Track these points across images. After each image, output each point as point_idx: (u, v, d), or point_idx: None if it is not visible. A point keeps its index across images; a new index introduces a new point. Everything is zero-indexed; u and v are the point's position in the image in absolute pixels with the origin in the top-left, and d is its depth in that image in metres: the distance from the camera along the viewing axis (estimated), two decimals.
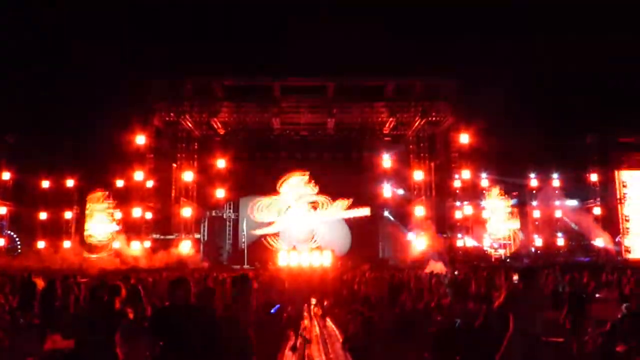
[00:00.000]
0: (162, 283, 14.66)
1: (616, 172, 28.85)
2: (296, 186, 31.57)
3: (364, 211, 31.81)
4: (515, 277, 6.36)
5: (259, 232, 32.12)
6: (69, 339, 7.33)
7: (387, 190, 29.66)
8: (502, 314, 6.12)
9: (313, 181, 31.41)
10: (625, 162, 28.99)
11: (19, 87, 26.34)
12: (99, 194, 28.34)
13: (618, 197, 28.66)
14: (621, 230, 28.38)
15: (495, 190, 29.57)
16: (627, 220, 28.53)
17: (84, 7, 28.09)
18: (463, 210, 28.21)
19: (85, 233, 28.58)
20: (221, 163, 29.32)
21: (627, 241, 28.15)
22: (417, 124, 28.88)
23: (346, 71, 26.69)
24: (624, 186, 28.74)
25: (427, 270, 22.94)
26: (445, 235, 28.59)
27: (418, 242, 27.76)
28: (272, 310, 10.13)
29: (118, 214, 28.60)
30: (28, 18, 27.90)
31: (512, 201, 29.83)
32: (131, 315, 5.77)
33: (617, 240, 28.35)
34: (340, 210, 32.05)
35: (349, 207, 31.83)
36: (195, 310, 4.56)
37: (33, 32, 27.74)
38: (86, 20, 28.40)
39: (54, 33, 28.23)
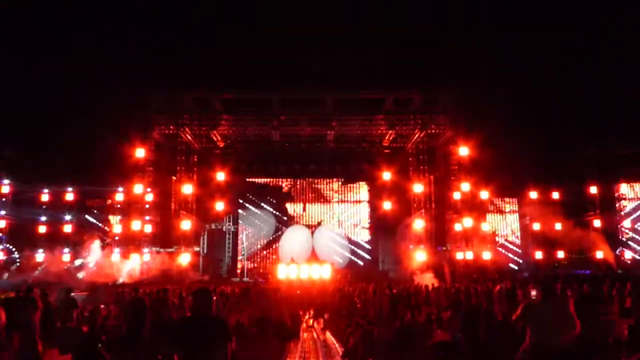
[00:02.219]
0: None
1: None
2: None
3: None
4: (534, 293, 6.51)
5: (258, 245, 32.01)
6: (65, 354, 7.29)
7: (387, 203, 29.61)
8: (509, 328, 6.07)
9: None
10: (624, 175, 28.99)
11: (17, 99, 26.36)
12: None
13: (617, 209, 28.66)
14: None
15: None
16: (627, 233, 28.47)
17: (84, 20, 28.29)
18: (463, 223, 28.10)
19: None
20: (221, 176, 29.31)
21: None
22: (416, 136, 28.94)
23: (345, 84, 26.71)
24: (623, 199, 28.74)
25: (417, 282, 22.99)
26: (444, 249, 28.45)
27: (417, 255, 27.65)
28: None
29: (117, 228, 28.55)
30: (28, 30, 28.06)
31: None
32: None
33: (617, 252, 28.25)
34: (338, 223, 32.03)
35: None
36: (213, 321, 4.59)
37: (33, 44, 27.86)
38: (86, 33, 28.51)
39: (53, 46, 28.36)
